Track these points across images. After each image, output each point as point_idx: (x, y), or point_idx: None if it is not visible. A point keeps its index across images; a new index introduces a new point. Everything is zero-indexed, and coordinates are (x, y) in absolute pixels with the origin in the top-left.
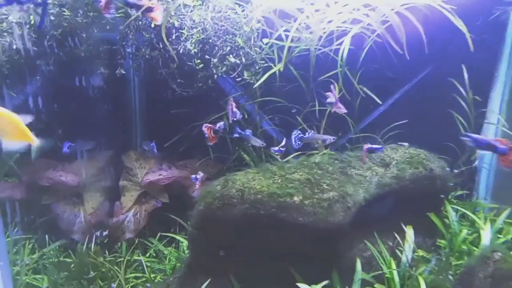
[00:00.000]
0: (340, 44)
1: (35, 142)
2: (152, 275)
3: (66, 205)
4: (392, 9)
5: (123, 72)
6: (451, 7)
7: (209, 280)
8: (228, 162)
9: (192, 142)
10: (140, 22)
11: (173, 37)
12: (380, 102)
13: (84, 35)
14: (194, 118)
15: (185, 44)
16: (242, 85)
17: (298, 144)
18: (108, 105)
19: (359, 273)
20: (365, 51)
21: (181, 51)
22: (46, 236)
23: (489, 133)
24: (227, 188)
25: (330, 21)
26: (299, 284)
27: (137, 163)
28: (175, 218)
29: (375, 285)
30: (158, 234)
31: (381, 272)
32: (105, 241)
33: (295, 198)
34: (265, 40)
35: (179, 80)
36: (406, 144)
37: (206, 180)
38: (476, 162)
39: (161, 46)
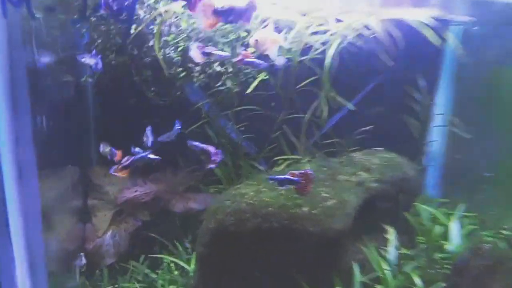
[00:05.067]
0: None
1: None
2: None
3: None
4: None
5: (90, 80)
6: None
7: None
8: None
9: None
10: (112, 27)
11: (150, 43)
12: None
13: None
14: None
15: (165, 51)
16: (210, 94)
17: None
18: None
19: (358, 276)
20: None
21: (161, 58)
22: None
23: (438, 135)
24: (237, 203)
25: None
26: None
27: (106, 179)
28: (156, 237)
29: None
30: (142, 257)
31: (376, 274)
32: (83, 270)
33: (304, 209)
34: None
35: (153, 88)
36: (381, 149)
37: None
38: (425, 162)
39: (135, 52)
